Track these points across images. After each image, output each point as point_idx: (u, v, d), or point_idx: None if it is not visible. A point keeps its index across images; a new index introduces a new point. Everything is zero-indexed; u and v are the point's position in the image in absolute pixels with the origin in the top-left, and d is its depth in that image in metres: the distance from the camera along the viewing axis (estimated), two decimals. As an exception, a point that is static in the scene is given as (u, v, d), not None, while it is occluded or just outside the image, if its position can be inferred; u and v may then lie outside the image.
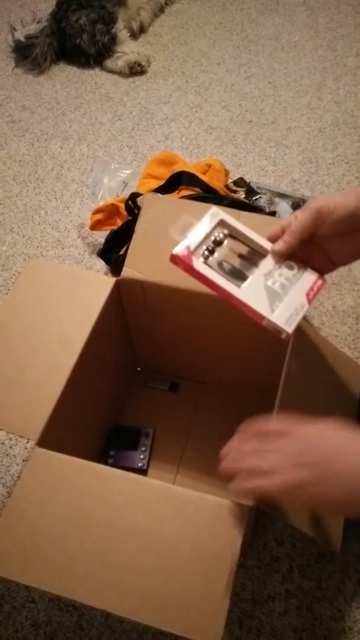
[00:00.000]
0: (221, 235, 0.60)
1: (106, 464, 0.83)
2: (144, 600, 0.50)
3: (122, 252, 1.06)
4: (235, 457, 0.52)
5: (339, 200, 0.54)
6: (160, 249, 0.73)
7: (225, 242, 0.60)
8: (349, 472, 0.44)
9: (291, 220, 0.56)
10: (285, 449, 0.48)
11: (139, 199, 1.06)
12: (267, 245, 0.60)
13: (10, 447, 0.91)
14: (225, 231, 0.61)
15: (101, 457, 0.84)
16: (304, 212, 0.55)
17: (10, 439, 0.92)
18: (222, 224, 0.61)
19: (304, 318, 0.66)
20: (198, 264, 0.58)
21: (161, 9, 1.82)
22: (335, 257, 0.59)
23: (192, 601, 0.49)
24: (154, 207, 0.75)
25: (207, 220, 0.60)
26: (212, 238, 0.60)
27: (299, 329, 0.64)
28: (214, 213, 0.61)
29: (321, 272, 0.60)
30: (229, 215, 0.61)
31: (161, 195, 1.05)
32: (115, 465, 0.83)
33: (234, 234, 0.61)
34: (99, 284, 0.72)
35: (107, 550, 0.52)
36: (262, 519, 0.83)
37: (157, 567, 0.51)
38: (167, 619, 0.49)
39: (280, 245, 0.57)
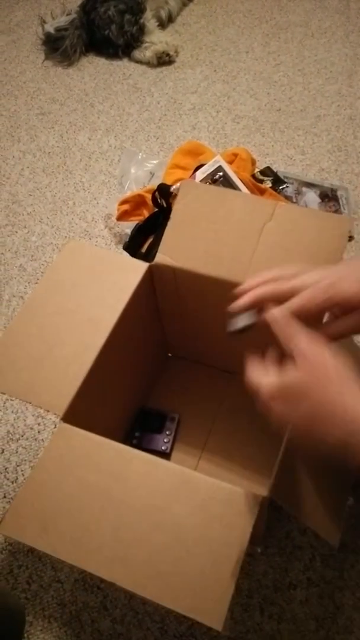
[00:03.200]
0: (219, 174, 1.04)
1: (131, 444, 0.85)
2: (151, 577, 0.51)
3: (144, 250, 1.07)
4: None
5: (345, 283, 0.49)
6: (194, 237, 0.73)
7: (219, 180, 1.04)
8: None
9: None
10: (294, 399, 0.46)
11: (173, 187, 1.07)
12: (243, 188, 1.04)
13: (39, 432, 0.93)
14: (221, 173, 1.05)
15: (127, 438, 0.86)
16: (312, 293, 0.49)
17: (39, 424, 0.94)
18: (219, 168, 1.05)
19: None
20: None
21: (190, -2, 1.81)
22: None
23: (198, 583, 0.50)
24: (190, 195, 0.76)
25: (210, 164, 1.06)
26: (212, 176, 1.04)
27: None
28: (217, 160, 1.07)
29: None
30: (226, 163, 1.06)
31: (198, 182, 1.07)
32: (139, 446, 0.85)
33: (226, 176, 1.05)
34: (132, 269, 0.73)
35: (119, 525, 0.54)
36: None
37: (167, 547, 0.52)
38: (172, 597, 0.50)
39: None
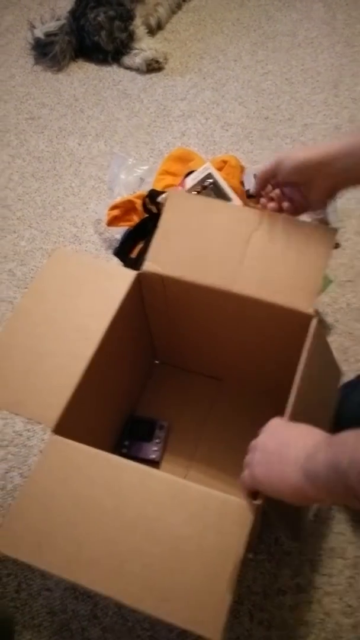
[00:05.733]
0: (208, 181, 1.04)
1: (120, 453, 0.84)
2: (147, 590, 0.51)
3: (134, 255, 1.07)
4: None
5: (293, 153, 0.66)
6: (182, 245, 0.74)
7: (209, 187, 1.04)
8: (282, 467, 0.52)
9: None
10: (252, 453, 0.57)
11: (160, 197, 1.07)
12: (232, 195, 1.03)
13: (28, 439, 0.93)
14: (211, 180, 1.04)
15: (116, 447, 0.86)
16: (269, 161, 0.69)
17: (28, 430, 0.94)
18: (209, 175, 1.05)
19: (319, 315, 0.67)
20: None
21: (179, 6, 1.82)
22: (306, 200, 0.69)
23: (195, 594, 0.50)
24: (177, 204, 0.76)
25: (200, 171, 1.06)
26: (201, 183, 1.04)
27: (316, 337, 0.66)
28: (207, 167, 1.06)
29: (301, 211, 0.71)
30: (215, 170, 1.06)
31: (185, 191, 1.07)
32: (129, 455, 0.84)
33: (216, 183, 1.04)
34: (120, 277, 0.73)
35: (114, 538, 0.54)
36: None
37: (162, 559, 0.52)
38: (169, 609, 0.50)
39: (252, 189, 0.75)
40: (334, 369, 0.88)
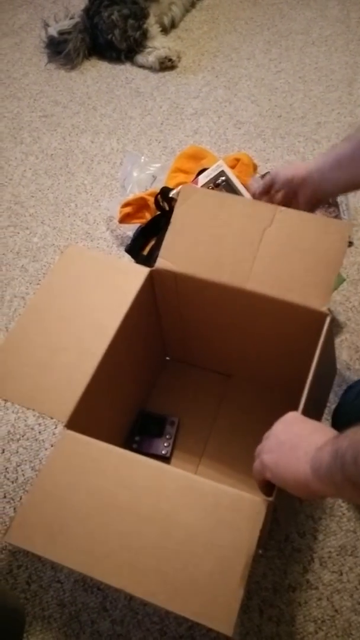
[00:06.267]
0: (221, 179, 1.05)
1: (131, 448, 0.85)
2: (160, 583, 0.51)
3: (146, 252, 1.08)
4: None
5: (284, 169, 0.81)
6: (195, 241, 0.74)
7: (222, 184, 1.05)
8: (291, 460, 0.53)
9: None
10: (264, 441, 0.59)
11: (172, 192, 1.08)
12: (245, 193, 1.04)
13: (39, 432, 0.93)
14: (224, 177, 1.05)
15: (126, 442, 0.86)
16: (266, 177, 0.85)
17: (39, 424, 0.94)
18: (222, 173, 1.06)
19: (330, 311, 0.67)
20: None
21: (192, 4, 1.82)
22: (298, 204, 0.82)
23: (208, 588, 0.50)
24: (190, 199, 0.77)
25: (213, 168, 1.06)
26: (214, 180, 1.05)
27: (328, 335, 0.66)
28: (219, 164, 1.07)
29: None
30: (228, 168, 1.07)
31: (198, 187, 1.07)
32: (140, 450, 0.85)
33: (228, 181, 1.06)
34: (133, 274, 0.74)
35: (127, 532, 0.54)
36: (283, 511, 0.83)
37: (175, 553, 0.52)
38: (182, 603, 0.50)
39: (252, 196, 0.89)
40: (333, 367, 0.88)
